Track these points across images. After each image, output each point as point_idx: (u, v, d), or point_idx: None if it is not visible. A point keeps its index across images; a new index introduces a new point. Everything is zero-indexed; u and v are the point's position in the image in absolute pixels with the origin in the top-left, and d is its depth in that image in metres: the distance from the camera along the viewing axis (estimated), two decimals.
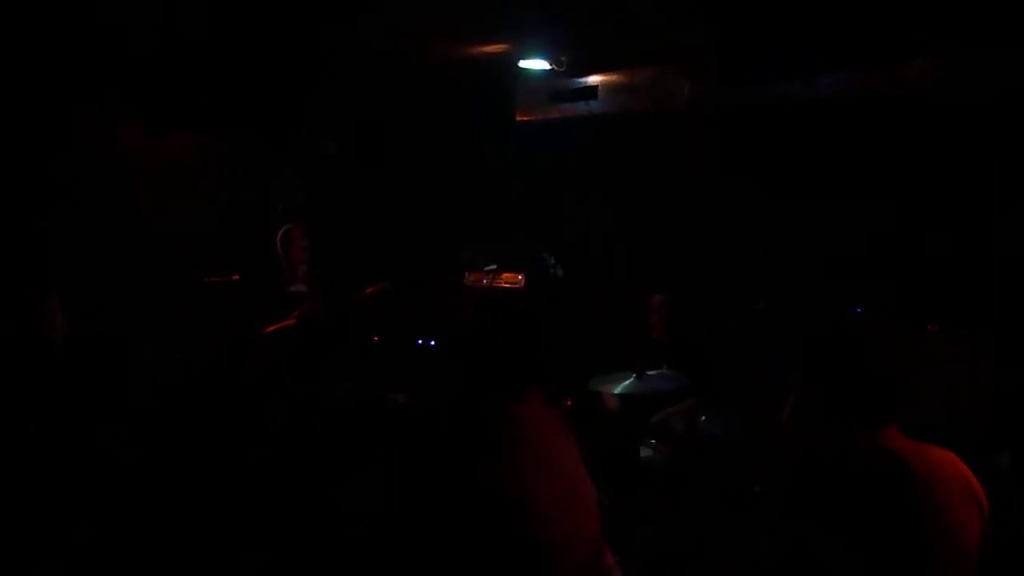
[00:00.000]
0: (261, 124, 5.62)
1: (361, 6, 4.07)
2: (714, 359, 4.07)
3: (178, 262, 5.12)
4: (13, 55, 4.44)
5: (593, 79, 5.68)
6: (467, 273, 5.96)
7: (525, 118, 6.23)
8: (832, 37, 4.05)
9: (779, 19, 3.97)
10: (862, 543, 1.37)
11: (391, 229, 6.19)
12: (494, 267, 5.90)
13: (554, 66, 5.40)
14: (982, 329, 3.66)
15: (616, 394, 3.63)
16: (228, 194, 5.70)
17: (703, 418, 3.70)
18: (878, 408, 1.63)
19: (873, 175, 4.35)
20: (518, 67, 5.48)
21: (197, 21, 4.21)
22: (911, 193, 4.21)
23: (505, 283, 5.87)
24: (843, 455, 1.58)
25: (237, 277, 4.87)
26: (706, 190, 5.09)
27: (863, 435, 1.62)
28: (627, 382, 3.63)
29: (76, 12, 4.00)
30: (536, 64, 5.41)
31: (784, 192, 4.67)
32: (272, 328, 4.34)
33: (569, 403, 3.80)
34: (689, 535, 3.13)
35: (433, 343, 5.50)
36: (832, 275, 4.37)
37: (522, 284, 5.72)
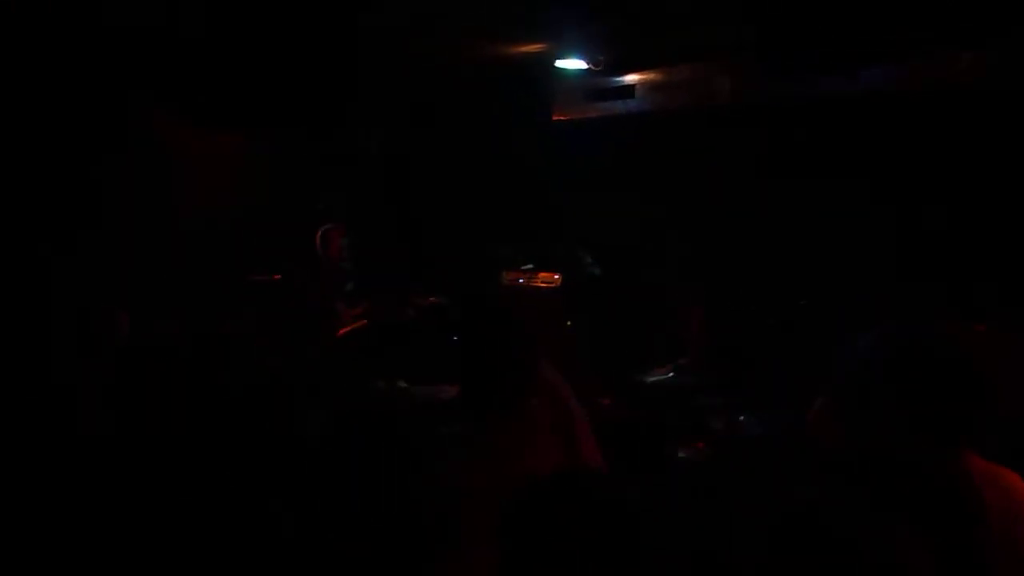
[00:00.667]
0: (303, 124, 5.70)
1: (401, 6, 4.11)
2: (755, 357, 4.02)
3: (220, 260, 5.22)
4: (59, 56, 4.55)
5: (630, 78, 5.65)
6: (505, 272, 5.98)
7: (562, 118, 6.22)
8: (874, 30, 3.97)
9: (819, 12, 3.90)
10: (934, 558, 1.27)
11: (430, 229, 6.23)
12: (531, 266, 5.91)
13: (591, 65, 5.39)
14: None
15: (653, 391, 3.61)
16: (270, 194, 5.79)
17: (742, 418, 3.66)
18: (965, 428, 1.48)
19: (920, 171, 4.26)
20: (555, 67, 5.48)
21: (240, 20, 4.27)
22: (959, 190, 4.11)
23: (542, 282, 5.87)
24: (923, 474, 1.43)
25: (279, 277, 4.96)
26: (746, 187, 5.02)
27: (944, 454, 1.46)
28: (664, 378, 3.61)
29: (120, 11, 4.08)
30: (573, 64, 5.39)
31: (829, 189, 4.59)
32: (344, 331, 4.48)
33: (606, 403, 3.78)
34: (727, 536, 3.09)
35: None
36: (876, 274, 4.29)
37: (559, 283, 5.72)
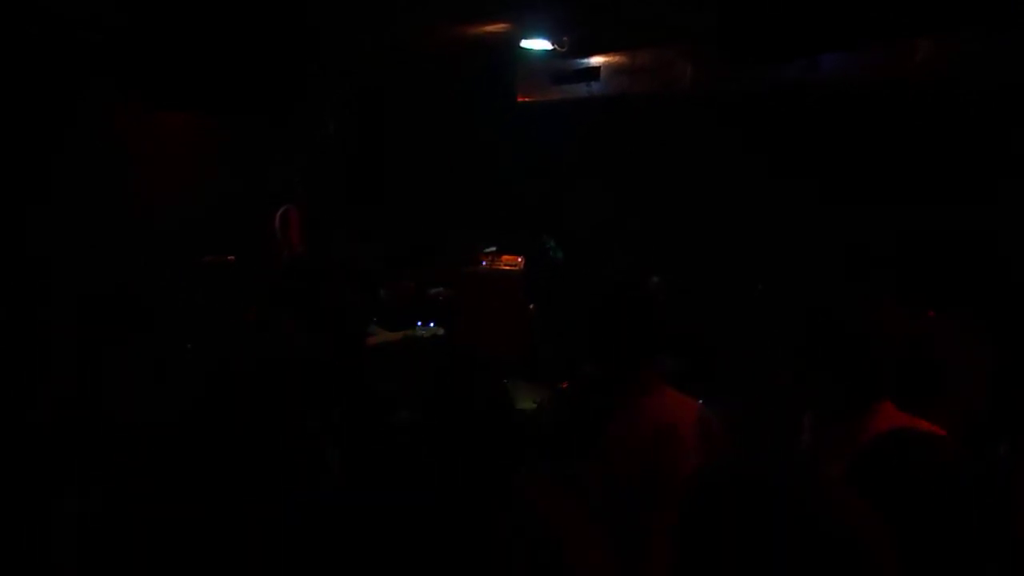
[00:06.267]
0: (260, 105, 5.58)
1: None
2: (713, 343, 4.04)
3: (176, 242, 5.10)
4: (11, 39, 4.42)
5: (595, 60, 5.63)
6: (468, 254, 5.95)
7: (526, 99, 6.18)
8: (835, 19, 3.99)
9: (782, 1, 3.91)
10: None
11: (391, 210, 6.16)
12: (494, 249, 5.88)
13: (556, 47, 5.35)
14: (982, 316, 3.63)
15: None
16: (227, 175, 5.67)
17: (701, 402, 3.67)
18: (866, 385, 1.68)
19: (875, 160, 4.31)
20: (520, 47, 5.43)
21: (196, 2, 4.17)
22: (912, 177, 4.17)
23: (505, 265, 5.85)
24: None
25: (233, 258, 4.87)
26: (706, 173, 5.05)
27: (855, 411, 1.67)
28: None
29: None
30: (538, 44, 5.35)
31: (785, 176, 4.63)
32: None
33: (565, 386, 3.78)
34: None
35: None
36: (832, 260, 4.34)
37: (521, 266, 5.70)
